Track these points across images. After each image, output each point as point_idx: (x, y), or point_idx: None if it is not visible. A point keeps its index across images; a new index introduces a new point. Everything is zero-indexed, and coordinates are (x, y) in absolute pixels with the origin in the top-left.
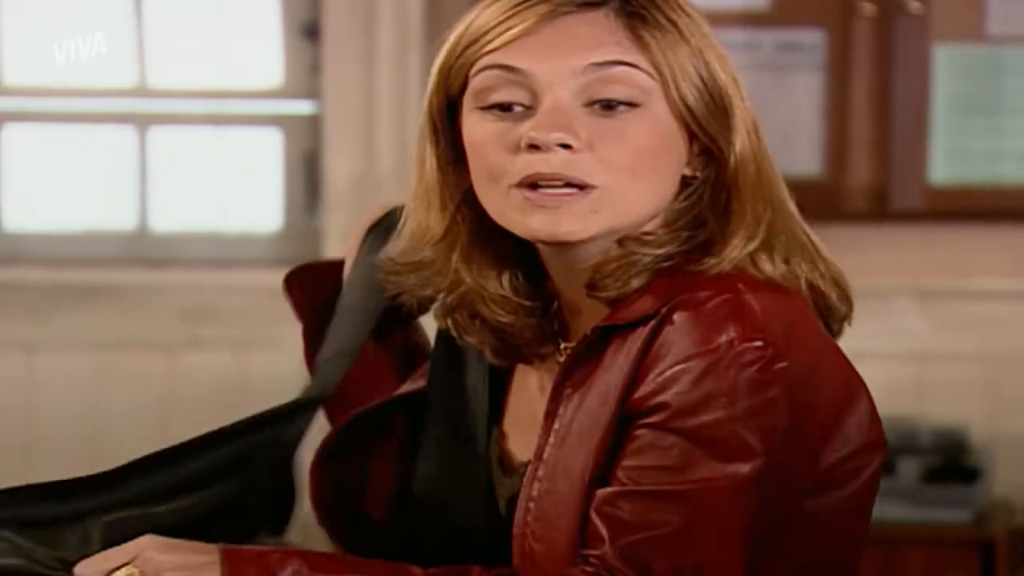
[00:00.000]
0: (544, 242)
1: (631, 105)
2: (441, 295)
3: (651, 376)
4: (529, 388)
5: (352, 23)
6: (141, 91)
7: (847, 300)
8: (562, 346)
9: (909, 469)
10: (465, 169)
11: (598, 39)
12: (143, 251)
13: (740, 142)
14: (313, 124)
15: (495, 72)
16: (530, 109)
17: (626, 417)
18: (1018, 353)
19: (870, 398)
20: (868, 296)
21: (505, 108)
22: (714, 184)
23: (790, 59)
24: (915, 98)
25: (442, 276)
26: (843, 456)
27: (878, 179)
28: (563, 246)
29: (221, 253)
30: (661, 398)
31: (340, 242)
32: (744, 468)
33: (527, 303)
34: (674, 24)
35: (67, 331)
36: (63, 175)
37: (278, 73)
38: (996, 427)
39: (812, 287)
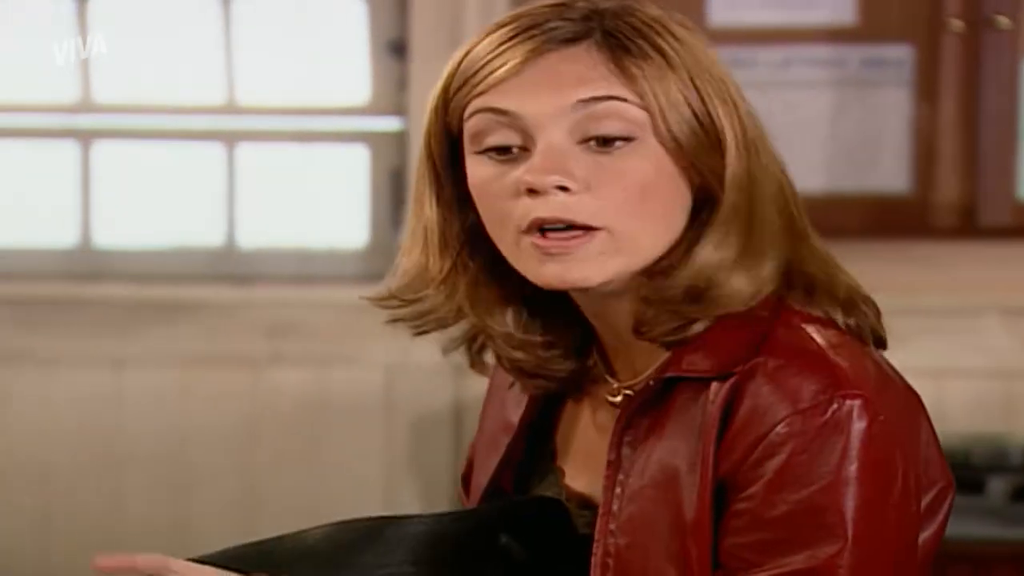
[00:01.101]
0: (558, 289)
1: (626, 140)
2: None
3: (747, 440)
4: (581, 422)
5: (439, 40)
6: (229, 108)
7: (876, 310)
8: (615, 384)
9: (998, 487)
10: (469, 209)
11: (583, 75)
12: (230, 267)
13: (732, 169)
14: (399, 141)
15: (486, 115)
16: (526, 150)
17: (723, 483)
18: None
19: (934, 433)
20: (956, 313)
21: (502, 151)
22: (719, 211)
23: (877, 75)
24: (1004, 113)
25: (444, 311)
26: (931, 498)
27: (966, 195)
28: (580, 290)
29: (307, 269)
30: (768, 465)
31: None
32: (864, 532)
33: (537, 338)
34: (661, 52)
35: (154, 347)
36: (151, 192)
37: (365, 90)
38: None
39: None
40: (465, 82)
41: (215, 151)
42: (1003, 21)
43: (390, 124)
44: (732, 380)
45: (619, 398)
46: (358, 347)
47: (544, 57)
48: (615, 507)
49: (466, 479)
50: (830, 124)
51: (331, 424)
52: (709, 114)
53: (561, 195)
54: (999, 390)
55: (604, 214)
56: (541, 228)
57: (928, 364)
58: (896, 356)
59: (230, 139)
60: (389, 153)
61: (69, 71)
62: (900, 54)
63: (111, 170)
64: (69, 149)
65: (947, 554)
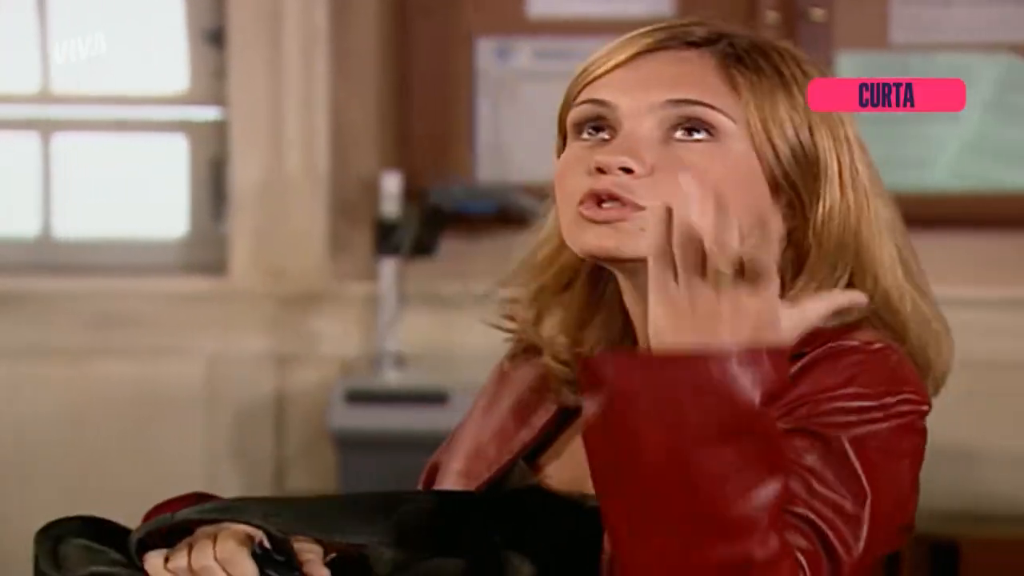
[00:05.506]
0: (597, 258)
1: (710, 138)
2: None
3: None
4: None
5: (257, 29)
6: (44, 97)
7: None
8: None
9: None
10: None
11: (683, 77)
12: (48, 258)
13: (827, 202)
14: (218, 130)
15: (587, 106)
16: (610, 140)
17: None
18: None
19: None
20: None
21: (595, 130)
22: (794, 239)
23: None
24: None
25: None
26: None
27: None
28: (620, 265)
29: (127, 260)
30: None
31: (246, 247)
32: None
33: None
34: (779, 73)
35: None
36: None
37: (183, 79)
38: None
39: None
40: (580, 74)
41: (30, 141)
42: (817, 13)
43: (208, 113)
44: (801, 361)
45: None
46: (183, 337)
47: (656, 55)
48: None
49: (437, 465)
50: None
51: (155, 414)
52: (813, 142)
53: (623, 176)
54: None
55: (653, 196)
56: (600, 201)
57: None
58: None
59: (46, 128)
60: (208, 143)
61: None
62: None
63: None
64: None
65: None
